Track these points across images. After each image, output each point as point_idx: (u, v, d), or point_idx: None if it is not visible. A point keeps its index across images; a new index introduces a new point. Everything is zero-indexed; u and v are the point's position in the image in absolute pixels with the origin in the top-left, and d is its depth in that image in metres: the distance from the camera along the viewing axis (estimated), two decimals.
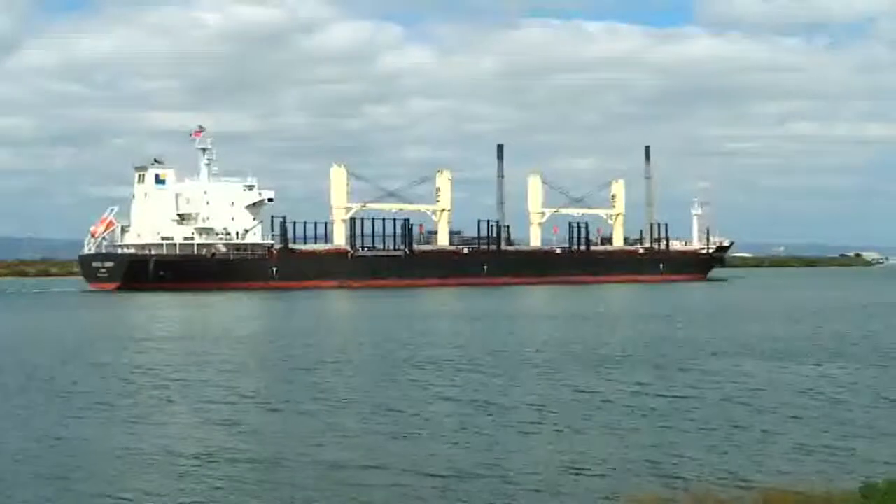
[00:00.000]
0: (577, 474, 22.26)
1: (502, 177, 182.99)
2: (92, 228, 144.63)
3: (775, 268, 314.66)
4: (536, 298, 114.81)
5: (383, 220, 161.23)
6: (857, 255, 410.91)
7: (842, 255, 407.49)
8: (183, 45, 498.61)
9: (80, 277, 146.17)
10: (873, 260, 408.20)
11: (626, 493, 19.43)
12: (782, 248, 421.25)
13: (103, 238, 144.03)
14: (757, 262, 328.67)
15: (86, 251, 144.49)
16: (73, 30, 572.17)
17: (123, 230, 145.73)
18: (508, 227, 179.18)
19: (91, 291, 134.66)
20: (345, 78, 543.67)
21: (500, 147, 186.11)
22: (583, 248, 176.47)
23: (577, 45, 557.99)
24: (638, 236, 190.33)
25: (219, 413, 31.23)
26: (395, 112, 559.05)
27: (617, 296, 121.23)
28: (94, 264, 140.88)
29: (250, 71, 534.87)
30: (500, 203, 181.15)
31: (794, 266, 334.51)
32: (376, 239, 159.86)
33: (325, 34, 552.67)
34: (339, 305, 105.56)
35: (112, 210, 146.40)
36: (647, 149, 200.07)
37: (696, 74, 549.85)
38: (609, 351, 48.78)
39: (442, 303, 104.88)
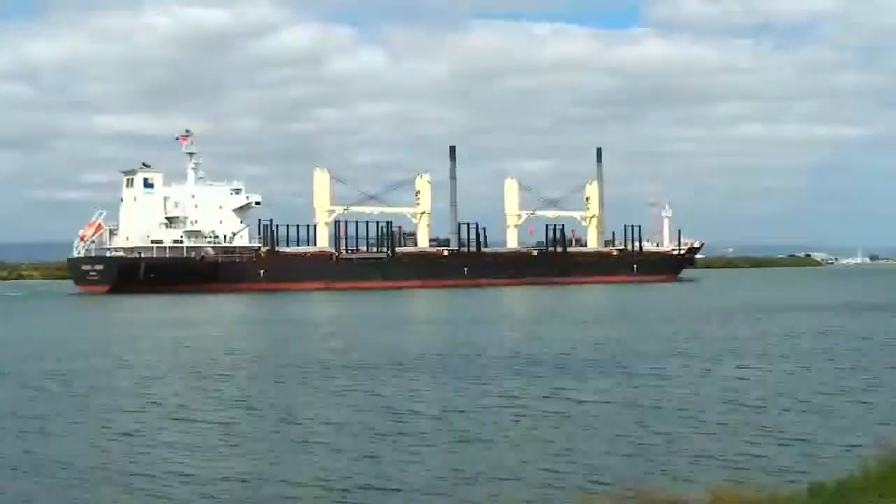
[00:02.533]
0: (518, 480, 21.62)
1: (455, 179, 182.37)
2: (81, 232, 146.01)
3: (729, 269, 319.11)
4: (518, 299, 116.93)
5: (366, 223, 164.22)
6: (808, 256, 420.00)
7: (791, 256, 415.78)
8: (132, 49, 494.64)
9: (28, 281, 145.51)
10: (823, 260, 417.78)
11: (576, 496, 19.69)
12: (730, 250, 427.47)
13: (92, 241, 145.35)
14: (707, 264, 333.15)
15: (75, 254, 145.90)
16: (20, 34, 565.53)
17: (112, 233, 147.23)
18: (485, 228, 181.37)
19: (81, 294, 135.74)
20: (295, 81, 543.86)
21: (452, 149, 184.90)
22: (559, 249, 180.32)
23: (529, 47, 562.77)
24: (610, 238, 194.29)
25: (123, 423, 29.84)
26: (345, 115, 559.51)
27: (594, 296, 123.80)
28: (84, 267, 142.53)
29: (199, 74, 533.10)
30: (453, 205, 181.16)
31: (743, 267, 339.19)
32: (360, 241, 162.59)
33: (275, 37, 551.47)
34: (319, 308, 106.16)
35: (100, 214, 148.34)
36: (599, 150, 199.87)
37: (646, 75, 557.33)
38: (574, 355, 47.21)
39: (422, 304, 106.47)
